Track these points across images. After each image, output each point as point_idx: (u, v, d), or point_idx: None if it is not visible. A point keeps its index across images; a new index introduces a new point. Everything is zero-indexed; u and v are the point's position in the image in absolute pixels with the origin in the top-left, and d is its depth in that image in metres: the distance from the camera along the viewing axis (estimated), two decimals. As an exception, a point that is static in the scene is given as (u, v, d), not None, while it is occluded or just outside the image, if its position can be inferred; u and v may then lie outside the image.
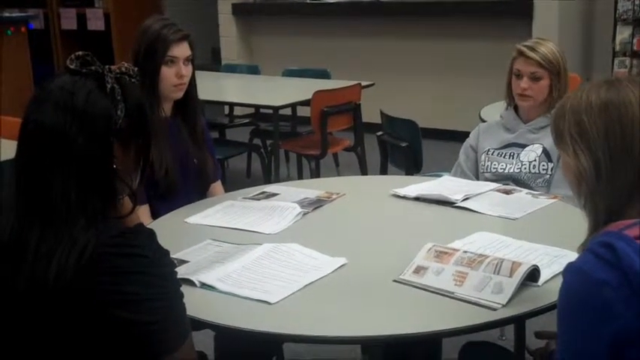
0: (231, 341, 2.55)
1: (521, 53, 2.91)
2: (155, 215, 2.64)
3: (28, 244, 1.41)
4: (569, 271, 1.37)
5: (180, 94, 2.73)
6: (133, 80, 1.54)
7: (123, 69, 1.54)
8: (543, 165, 2.88)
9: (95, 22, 8.47)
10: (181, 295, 1.50)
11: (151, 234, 1.49)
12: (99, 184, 1.46)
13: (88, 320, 1.39)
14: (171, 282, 1.48)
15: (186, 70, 2.70)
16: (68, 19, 8.65)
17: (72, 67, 1.49)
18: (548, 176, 2.87)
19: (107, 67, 1.52)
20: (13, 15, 7.35)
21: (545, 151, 2.89)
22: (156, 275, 1.44)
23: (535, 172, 2.89)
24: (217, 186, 2.93)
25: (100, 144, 1.46)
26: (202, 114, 2.97)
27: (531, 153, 2.92)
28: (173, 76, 2.67)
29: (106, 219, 1.45)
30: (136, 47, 2.67)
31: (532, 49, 2.89)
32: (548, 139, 2.70)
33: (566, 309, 1.37)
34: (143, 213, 2.56)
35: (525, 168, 2.90)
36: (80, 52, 1.50)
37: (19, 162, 1.48)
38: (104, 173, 1.47)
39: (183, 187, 2.71)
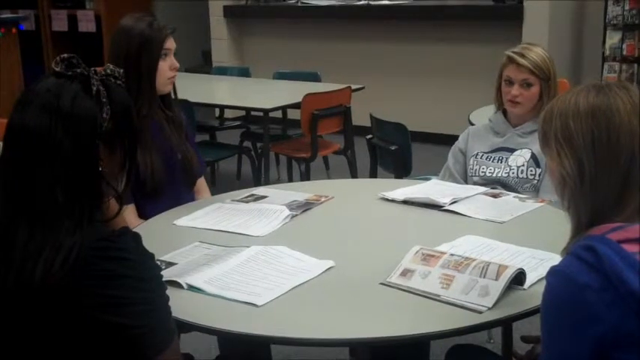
0: (232, 344, 2.54)
1: (512, 60, 2.91)
2: (142, 214, 2.64)
3: (15, 244, 1.41)
4: (552, 274, 1.37)
5: (170, 87, 2.77)
6: (118, 82, 1.55)
7: (108, 71, 1.55)
8: (531, 170, 2.89)
9: (86, 23, 8.46)
10: (167, 299, 1.50)
11: (137, 237, 1.49)
12: (85, 187, 1.46)
13: (73, 323, 1.39)
14: (156, 285, 1.48)
15: (177, 63, 2.74)
16: (59, 21, 8.63)
17: (57, 69, 1.49)
18: (535, 182, 2.88)
19: (93, 69, 1.52)
20: (4, 16, 7.33)
21: (533, 157, 2.90)
22: (141, 279, 1.44)
23: (523, 177, 2.89)
24: (202, 181, 2.93)
25: (86, 146, 1.46)
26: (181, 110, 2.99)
27: (520, 158, 2.93)
28: (168, 69, 2.71)
29: (92, 222, 1.45)
30: (124, 48, 2.64)
31: (523, 55, 2.89)
32: (537, 145, 2.70)
33: (549, 312, 1.38)
34: (130, 213, 2.56)
35: (513, 173, 2.91)
36: (66, 55, 1.50)
37: (5, 163, 1.47)
38: (90, 176, 1.47)
39: (170, 185, 2.71)
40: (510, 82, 2.92)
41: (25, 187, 1.43)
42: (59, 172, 1.43)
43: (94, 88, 1.48)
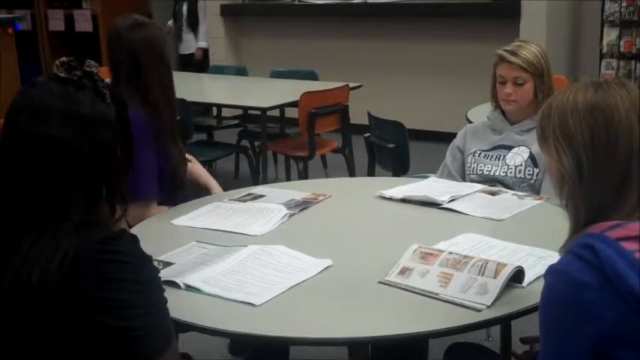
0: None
1: (502, 59, 2.89)
2: None
3: (19, 249, 1.40)
4: (551, 272, 1.37)
5: None
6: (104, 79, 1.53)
7: (94, 69, 1.52)
8: (529, 170, 2.88)
9: (83, 23, 8.46)
10: (165, 301, 1.49)
11: (134, 239, 1.48)
12: (100, 191, 1.46)
13: (71, 326, 1.38)
14: (154, 288, 1.47)
15: None
16: (56, 21, 8.63)
17: (62, 75, 1.47)
18: (533, 182, 2.86)
19: (90, 71, 1.50)
20: (0, 16, 7.32)
21: (531, 156, 2.88)
22: (138, 281, 1.43)
23: (520, 177, 2.88)
24: None
25: (106, 151, 1.46)
26: None
27: (517, 157, 2.91)
28: None
29: (90, 224, 1.44)
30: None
31: (514, 53, 2.87)
32: (535, 145, 2.69)
33: (547, 311, 1.37)
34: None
35: (511, 172, 2.90)
36: (65, 58, 1.49)
37: (15, 171, 1.45)
38: (107, 180, 1.48)
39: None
40: (503, 81, 2.91)
41: (39, 194, 1.42)
42: (80, 180, 1.43)
43: (106, 92, 1.48)
